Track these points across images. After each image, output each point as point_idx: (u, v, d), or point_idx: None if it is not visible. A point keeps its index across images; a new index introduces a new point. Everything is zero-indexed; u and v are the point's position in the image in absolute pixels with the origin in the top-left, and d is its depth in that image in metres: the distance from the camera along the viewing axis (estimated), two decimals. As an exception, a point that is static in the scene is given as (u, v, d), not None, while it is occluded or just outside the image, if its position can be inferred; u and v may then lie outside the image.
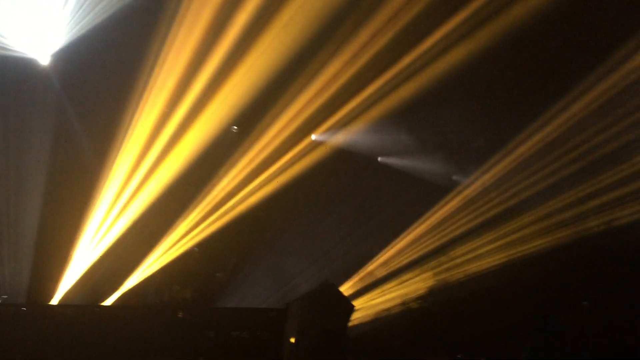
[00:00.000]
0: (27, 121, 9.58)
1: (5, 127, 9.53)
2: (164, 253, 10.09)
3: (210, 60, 9.60)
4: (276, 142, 10.42)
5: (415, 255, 10.99)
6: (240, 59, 9.65)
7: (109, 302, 9.78)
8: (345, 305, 9.63)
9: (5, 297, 9.35)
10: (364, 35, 9.78)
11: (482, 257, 10.87)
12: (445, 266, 10.97)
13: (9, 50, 9.42)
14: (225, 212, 10.38)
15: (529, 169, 10.98)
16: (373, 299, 10.87)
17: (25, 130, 9.57)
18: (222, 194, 10.35)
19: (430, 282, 10.96)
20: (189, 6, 9.27)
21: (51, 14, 9.54)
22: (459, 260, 10.92)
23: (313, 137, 10.91)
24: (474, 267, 10.90)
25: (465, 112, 10.92)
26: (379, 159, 11.50)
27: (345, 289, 10.67)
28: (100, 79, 9.71)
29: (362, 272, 10.92)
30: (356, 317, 9.87)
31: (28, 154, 9.58)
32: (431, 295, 10.84)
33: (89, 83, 9.75)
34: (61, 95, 9.74)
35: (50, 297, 9.59)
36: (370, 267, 10.97)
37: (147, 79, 9.60)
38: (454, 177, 11.52)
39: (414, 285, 10.91)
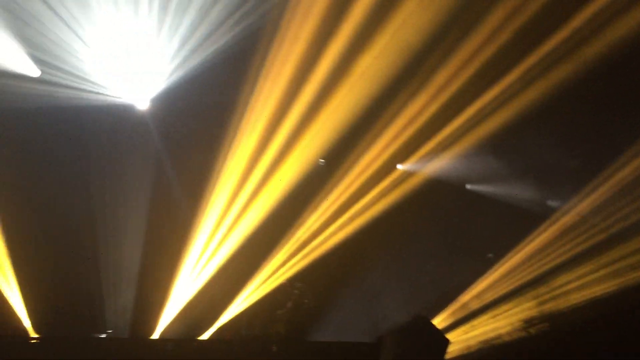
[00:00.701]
0: (125, 164, 10.16)
1: (104, 170, 10.13)
2: (257, 288, 10.30)
3: (299, 98, 9.85)
4: (364, 175, 10.47)
5: (512, 286, 10.56)
6: (328, 96, 9.84)
7: (205, 336, 10.07)
8: (440, 339, 9.36)
9: (110, 331, 9.82)
10: (451, 65, 9.72)
11: (585, 286, 10.27)
12: (544, 297, 10.46)
13: (108, 95, 10.06)
14: (316, 246, 10.47)
15: (633, 191, 10.38)
16: (467, 332, 10.52)
17: (124, 173, 10.14)
18: (312, 228, 10.48)
19: (528, 314, 10.46)
20: (279, 48, 9.58)
21: (149, 59, 10.11)
22: (559, 291, 10.39)
23: (399, 167, 10.85)
24: (577, 298, 10.30)
25: (559, 135, 10.51)
26: (467, 186, 11.24)
27: (438, 321, 10.42)
28: (194, 122, 10.21)
29: (456, 305, 10.63)
30: (450, 351, 9.56)
31: (127, 196, 10.13)
32: (530, 328, 10.35)
33: (184, 125, 10.27)
34: (157, 138, 10.28)
35: (152, 331, 10.00)
36: (464, 298, 10.65)
37: (240, 119, 9.98)
38: (549, 203, 11.05)
39: (511, 318, 10.47)
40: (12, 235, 9.42)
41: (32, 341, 9.43)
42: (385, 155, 10.46)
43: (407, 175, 10.73)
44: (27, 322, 9.60)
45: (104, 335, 9.70)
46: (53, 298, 9.61)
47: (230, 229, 10.24)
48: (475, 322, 10.51)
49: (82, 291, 9.80)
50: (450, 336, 9.90)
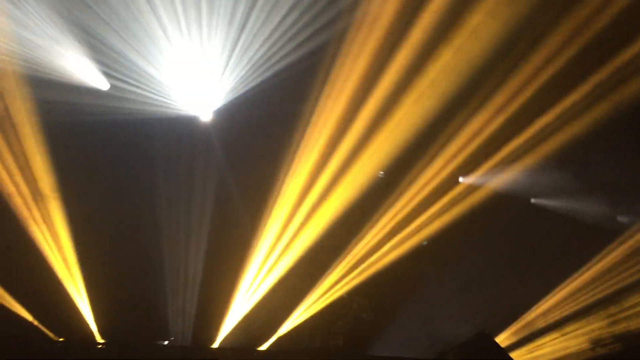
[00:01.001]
0: (189, 175, 10.36)
1: (169, 181, 10.33)
2: (316, 300, 10.28)
3: (362, 111, 9.84)
4: (426, 189, 10.32)
5: (580, 305, 10.17)
6: (391, 109, 9.79)
7: (265, 346, 10.11)
8: (502, 358, 9.10)
9: (172, 339, 10.00)
10: (517, 79, 9.50)
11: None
12: (616, 317, 10.01)
13: (173, 107, 10.29)
14: (376, 260, 10.37)
15: None
16: (532, 352, 10.18)
17: (188, 184, 10.33)
18: (373, 242, 10.39)
19: (598, 334, 10.05)
20: (343, 62, 9.60)
21: (213, 72, 10.27)
22: (632, 311, 9.92)
23: (462, 180, 10.63)
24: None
25: (630, 149, 10.08)
26: (532, 200, 10.90)
27: (502, 339, 10.13)
28: (257, 134, 10.31)
29: (520, 322, 10.30)
30: (515, 370, 9.27)
31: (190, 207, 10.30)
32: (600, 348, 9.93)
33: (247, 138, 10.37)
34: (220, 150, 10.44)
35: (213, 340, 10.12)
36: (529, 317, 10.31)
37: (302, 132, 10.05)
38: (620, 219, 10.59)
39: (579, 338, 10.07)
40: (82, 244, 9.75)
41: (99, 346, 9.72)
42: (448, 169, 10.29)
43: (470, 189, 10.50)
44: (94, 328, 9.90)
45: (166, 342, 9.89)
46: (119, 305, 9.86)
47: (290, 241, 10.28)
48: (541, 341, 10.16)
49: (146, 299, 10.02)
50: (514, 355, 9.63)
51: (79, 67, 9.74)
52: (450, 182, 10.50)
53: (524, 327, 10.31)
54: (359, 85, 9.76)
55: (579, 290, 10.18)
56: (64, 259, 9.69)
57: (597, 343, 9.99)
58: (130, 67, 9.89)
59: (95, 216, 9.77)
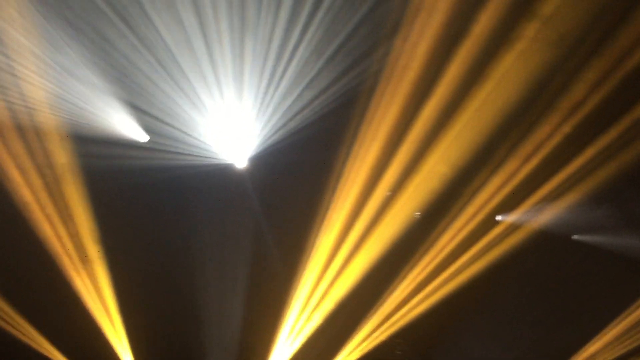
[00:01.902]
0: (226, 224, 10.43)
1: (206, 231, 10.42)
2: (356, 347, 10.20)
3: (397, 154, 9.78)
4: (464, 230, 10.19)
5: (630, 347, 9.86)
6: (425, 150, 9.72)
7: (308, 396, 10.08)
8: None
9: (215, 386, 10.03)
10: (555, 115, 9.35)
11: None
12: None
13: (208, 157, 10.38)
14: (416, 305, 10.24)
15: None
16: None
17: (225, 233, 10.41)
18: (411, 286, 10.27)
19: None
20: (377, 105, 9.57)
21: (244, 118, 10.36)
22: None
23: (499, 218, 10.45)
24: None
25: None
26: (574, 237, 10.63)
27: (551, 384, 9.89)
28: (292, 181, 10.32)
29: (568, 366, 10.05)
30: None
31: (227, 256, 10.40)
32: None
33: (282, 185, 10.40)
34: (256, 197, 10.49)
35: (257, 387, 10.15)
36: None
37: (337, 178, 10.04)
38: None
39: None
40: (124, 299, 9.91)
41: (142, 397, 9.82)
42: (486, 209, 10.14)
43: (509, 229, 10.30)
44: (137, 379, 10.02)
45: (209, 390, 9.94)
46: (161, 346, 9.97)
47: (329, 287, 10.24)
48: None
49: (187, 351, 10.09)
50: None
51: (117, 120, 9.95)
52: (489, 221, 10.33)
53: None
54: (393, 129, 9.72)
55: (627, 331, 9.86)
56: (107, 313, 9.86)
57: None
58: (167, 117, 10.05)
59: (136, 271, 9.93)
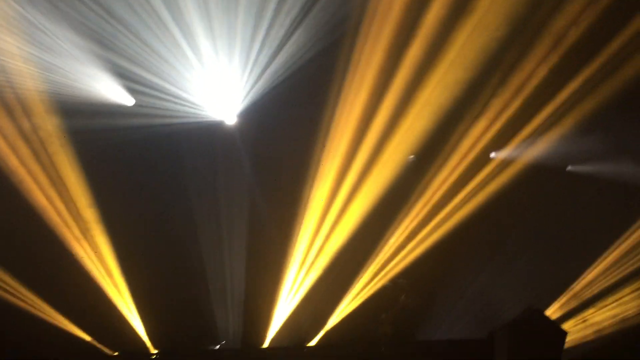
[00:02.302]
0: (220, 179, 10.46)
1: (201, 187, 10.46)
2: (360, 291, 10.31)
3: (385, 98, 9.79)
4: (459, 169, 10.21)
5: (628, 270, 9.97)
6: (414, 93, 9.70)
7: (314, 342, 10.20)
8: (556, 331, 9.00)
9: (224, 342, 10.16)
10: (543, 45, 9.33)
11: None
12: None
13: (198, 115, 10.35)
14: (416, 245, 10.32)
15: None
16: (583, 321, 10.04)
17: (220, 189, 10.45)
18: (410, 227, 10.33)
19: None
20: (362, 51, 9.57)
21: (232, 75, 10.29)
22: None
23: (493, 156, 10.48)
24: None
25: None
26: (569, 168, 10.67)
27: (551, 313, 10.01)
28: (283, 133, 10.31)
29: (569, 294, 10.15)
30: (568, 341, 9.15)
31: (225, 210, 10.44)
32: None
33: (273, 137, 10.41)
34: (247, 152, 10.50)
35: (262, 341, 10.27)
36: (577, 287, 10.15)
37: (328, 127, 10.04)
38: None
39: (629, 303, 9.89)
40: (125, 259, 9.98)
41: (153, 357, 9.95)
42: (478, 146, 10.16)
43: (503, 164, 10.33)
44: (146, 339, 10.13)
45: (217, 347, 10.06)
46: (167, 315, 10.09)
47: (327, 236, 10.31)
48: (590, 310, 10.01)
49: (192, 307, 10.19)
50: (566, 326, 9.52)
51: (102, 86, 9.89)
52: (483, 159, 10.36)
53: (572, 298, 10.16)
54: (378, 76, 9.73)
55: (625, 255, 9.98)
56: (110, 275, 9.93)
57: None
58: (153, 79, 10.00)
59: (135, 231, 9.97)
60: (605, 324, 9.98)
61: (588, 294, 10.10)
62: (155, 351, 10.04)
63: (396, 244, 10.40)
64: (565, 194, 10.38)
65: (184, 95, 10.12)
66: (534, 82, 9.77)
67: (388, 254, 10.38)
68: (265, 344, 10.23)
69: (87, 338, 9.80)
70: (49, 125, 9.68)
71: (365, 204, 10.32)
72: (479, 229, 10.32)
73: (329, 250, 10.33)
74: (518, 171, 10.35)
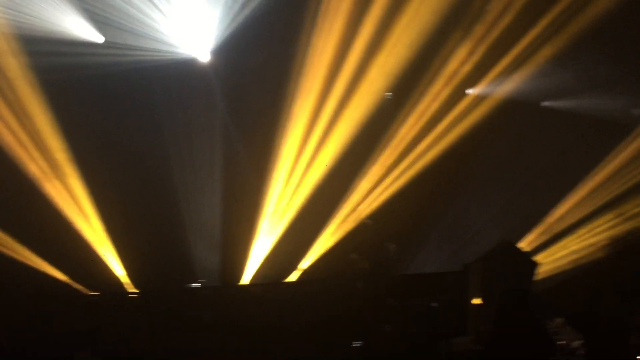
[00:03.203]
0: (195, 117, 10.38)
1: (176, 128, 10.38)
2: (338, 227, 10.43)
3: (359, 35, 9.70)
4: (434, 105, 10.21)
5: (599, 203, 10.17)
6: (387, 30, 9.62)
7: (292, 278, 10.35)
8: (527, 263, 9.21)
9: (203, 280, 10.27)
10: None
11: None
12: (633, 212, 10.01)
13: (170, 52, 10.14)
14: (393, 181, 10.42)
15: None
16: (555, 253, 10.29)
17: (196, 128, 10.38)
18: (387, 163, 10.40)
19: (618, 230, 10.09)
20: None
21: (207, 12, 10.10)
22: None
23: (469, 92, 10.49)
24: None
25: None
26: (543, 103, 10.72)
27: (525, 245, 10.23)
28: (258, 71, 10.16)
29: (542, 227, 10.37)
30: (540, 272, 9.38)
31: (199, 150, 10.41)
32: (619, 245, 9.98)
33: (248, 75, 10.26)
34: (221, 90, 10.38)
35: (241, 278, 10.40)
36: (550, 220, 10.36)
37: (301, 65, 9.93)
38: (634, 112, 10.41)
39: (600, 235, 10.12)
40: (99, 199, 9.93)
41: (133, 296, 10.02)
42: (453, 82, 10.14)
43: (479, 99, 10.36)
44: (126, 279, 10.20)
45: (197, 285, 10.16)
46: (146, 255, 10.13)
47: (304, 172, 10.34)
48: (563, 242, 10.25)
49: (171, 246, 10.26)
50: (539, 258, 9.74)
51: (70, 22, 9.61)
52: (458, 95, 10.37)
53: (545, 231, 10.38)
54: (352, 14, 9.62)
55: (596, 188, 10.17)
56: (85, 217, 9.90)
57: (616, 239, 10.04)
58: (124, 15, 9.75)
59: (107, 169, 9.88)
60: (576, 255, 10.24)
61: (559, 227, 10.32)
62: (136, 290, 10.11)
63: (372, 181, 10.47)
64: (540, 129, 10.49)
65: (158, 32, 9.91)
66: (506, 19, 9.72)
67: (364, 191, 10.46)
68: (244, 281, 10.37)
69: (66, 279, 9.83)
70: (15, 64, 9.40)
71: (340, 142, 10.32)
72: (454, 164, 10.42)
73: (306, 185, 10.37)
74: (493, 107, 10.41)
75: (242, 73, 10.36)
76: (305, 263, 10.43)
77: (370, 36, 9.78)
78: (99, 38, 9.77)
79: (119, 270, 10.16)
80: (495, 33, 9.87)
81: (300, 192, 10.42)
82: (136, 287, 10.13)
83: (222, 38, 10.22)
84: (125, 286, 10.17)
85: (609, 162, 10.12)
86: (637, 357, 7.62)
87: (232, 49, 10.24)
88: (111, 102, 9.96)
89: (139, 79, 9.90)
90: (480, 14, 9.80)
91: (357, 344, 8.65)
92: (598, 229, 10.20)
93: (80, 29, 9.65)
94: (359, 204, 10.46)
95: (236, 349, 8.47)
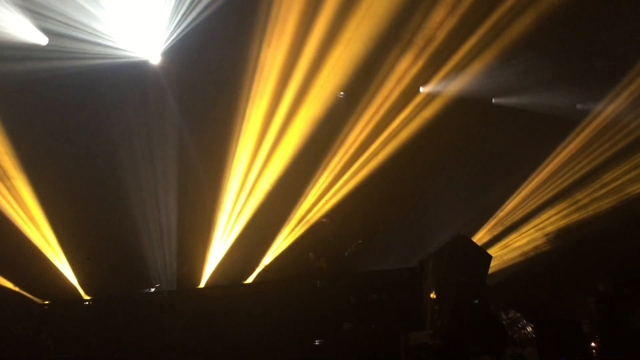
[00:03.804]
0: (144, 121, 10.15)
1: (128, 132, 10.15)
2: (295, 227, 10.42)
3: (311, 37, 9.65)
4: (388, 103, 10.30)
5: (549, 195, 10.46)
6: (339, 31, 9.59)
7: (250, 279, 10.27)
8: (481, 256, 9.38)
9: (158, 285, 10.09)
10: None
11: (623, 187, 10.12)
12: (582, 202, 10.34)
13: (118, 54, 9.90)
14: (348, 180, 10.47)
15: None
16: (508, 245, 10.53)
17: (145, 130, 10.16)
18: (343, 161, 10.46)
19: (566, 222, 10.41)
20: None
21: (156, 14, 9.89)
22: (596, 194, 10.25)
23: (421, 89, 10.62)
24: (614, 199, 10.18)
25: (581, 37, 10.07)
26: (493, 100, 10.96)
27: (479, 238, 10.43)
28: (209, 74, 10.05)
29: (494, 220, 10.59)
30: (494, 265, 9.58)
31: (154, 154, 10.22)
32: (567, 236, 10.29)
33: (198, 78, 10.13)
34: (172, 92, 10.20)
35: (198, 282, 10.27)
36: (502, 213, 10.60)
37: (254, 67, 9.88)
38: (579, 107, 10.75)
39: (551, 226, 10.41)
40: (50, 207, 9.69)
41: (86, 303, 9.78)
42: (406, 80, 10.25)
43: (431, 97, 10.50)
44: (77, 286, 9.94)
45: (152, 290, 9.97)
46: (99, 262, 9.91)
47: (259, 173, 10.31)
48: (514, 235, 10.50)
49: (125, 252, 10.07)
50: (492, 251, 9.95)
51: (14, 24, 9.28)
52: (412, 92, 10.49)
53: (497, 224, 10.61)
54: (304, 14, 9.56)
55: (546, 181, 10.45)
56: (35, 223, 9.62)
57: (564, 231, 10.35)
58: (70, 17, 9.45)
59: (56, 174, 9.63)
60: (528, 247, 10.49)
61: (512, 219, 10.57)
62: (88, 298, 9.87)
63: (327, 181, 10.50)
64: (492, 125, 10.68)
65: (104, 34, 9.64)
66: (455, 17, 9.87)
67: (319, 191, 10.48)
68: (201, 285, 10.24)
69: (15, 288, 9.51)
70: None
71: (294, 142, 10.31)
72: (408, 161, 10.52)
73: (260, 189, 10.33)
74: (446, 104, 10.55)
75: (194, 75, 10.21)
76: (263, 264, 10.37)
77: (322, 36, 9.76)
78: (42, 40, 9.44)
79: (71, 277, 9.89)
80: (444, 30, 9.98)
81: (256, 193, 10.36)
82: (88, 295, 9.88)
83: (173, 40, 10.02)
84: (78, 294, 9.91)
85: (557, 155, 10.41)
86: None
87: (184, 50, 10.06)
88: (60, 106, 9.67)
89: (88, 82, 9.62)
90: (432, 11, 9.90)
91: (318, 342, 8.67)
92: (548, 221, 10.48)
93: (24, 30, 9.31)
94: (315, 204, 10.47)
95: (195, 353, 8.38)
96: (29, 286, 9.58)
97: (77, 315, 9.14)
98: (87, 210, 9.92)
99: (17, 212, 9.55)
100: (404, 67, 10.22)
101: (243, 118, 10.18)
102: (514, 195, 10.53)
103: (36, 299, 9.56)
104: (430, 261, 9.24)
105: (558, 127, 10.36)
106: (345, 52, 9.87)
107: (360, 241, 10.19)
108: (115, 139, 10.00)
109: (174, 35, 9.97)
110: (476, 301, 8.49)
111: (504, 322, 8.47)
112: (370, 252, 10.47)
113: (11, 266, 9.45)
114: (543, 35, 9.91)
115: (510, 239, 10.50)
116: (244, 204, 10.37)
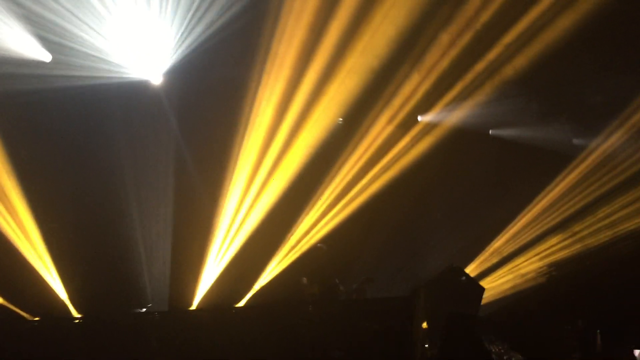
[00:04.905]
0: (144, 140, 10.20)
1: (124, 148, 10.16)
2: (288, 253, 10.43)
3: (313, 63, 9.75)
4: (386, 131, 10.39)
5: (543, 228, 10.51)
6: (341, 58, 9.71)
7: (242, 303, 10.24)
8: (474, 287, 9.38)
9: (150, 305, 10.05)
10: (465, 12, 9.46)
11: (620, 221, 10.16)
12: (578, 235, 10.38)
13: (120, 74, 9.95)
14: (344, 206, 10.53)
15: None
16: (502, 277, 10.54)
17: (144, 149, 10.20)
18: (339, 188, 10.51)
19: (560, 255, 10.44)
20: (289, 12, 9.45)
21: (159, 35, 9.94)
22: (591, 229, 10.30)
23: (420, 119, 10.70)
24: (611, 233, 10.22)
25: (578, 73, 10.17)
26: (491, 132, 11.05)
27: (472, 269, 10.44)
28: (210, 95, 10.09)
29: (488, 251, 10.62)
30: (486, 297, 9.57)
31: (150, 173, 10.23)
32: (559, 269, 10.32)
33: (199, 99, 10.19)
34: (173, 112, 10.26)
35: (190, 304, 10.23)
36: (496, 244, 10.63)
37: (255, 90, 9.95)
38: (575, 142, 10.84)
39: (547, 259, 10.45)
40: (44, 223, 9.64)
41: (76, 321, 9.71)
42: (405, 110, 10.34)
43: (430, 127, 10.60)
44: (68, 304, 9.89)
45: (143, 310, 9.92)
46: (91, 280, 9.88)
47: (256, 197, 10.32)
48: (508, 266, 10.51)
49: (117, 271, 10.03)
50: (485, 282, 9.95)
51: (18, 41, 9.35)
52: (410, 122, 10.58)
53: (492, 255, 10.63)
54: (306, 38, 9.65)
55: (541, 214, 10.51)
56: (27, 237, 9.58)
57: (556, 265, 10.37)
58: (74, 36, 9.51)
59: (52, 191, 9.62)
60: (520, 280, 10.51)
61: (505, 251, 10.59)
62: (79, 316, 9.81)
63: (322, 208, 10.54)
64: (488, 156, 10.77)
65: (107, 53, 9.69)
66: (456, 50, 9.98)
67: (317, 214, 10.51)
68: (193, 307, 10.20)
69: (4, 303, 9.46)
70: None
71: (292, 167, 10.35)
72: (403, 190, 10.59)
73: (258, 211, 10.34)
74: (443, 134, 10.65)
75: (195, 95, 10.28)
76: (255, 288, 10.35)
77: (323, 61, 9.86)
78: (46, 57, 9.51)
79: (62, 294, 9.84)
80: (444, 63, 10.09)
81: (252, 216, 10.38)
82: (80, 312, 9.83)
83: (175, 60, 10.10)
84: (69, 311, 9.85)
85: (552, 189, 10.48)
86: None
87: (185, 70, 10.14)
88: (60, 124, 9.71)
89: (89, 101, 9.67)
90: (432, 44, 10.02)
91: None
92: (542, 254, 10.51)
93: (28, 48, 9.39)
94: (311, 228, 10.48)
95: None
96: (19, 302, 9.51)
97: (66, 333, 9.07)
98: (81, 226, 9.93)
99: (10, 227, 9.52)
100: (402, 99, 10.34)
101: (242, 140, 10.22)
102: (508, 227, 10.59)
103: (26, 315, 9.49)
104: (422, 291, 9.22)
105: (554, 162, 10.47)
106: (345, 79, 9.98)
107: (367, 277, 10.17)
108: (114, 158, 10.03)
109: (176, 55, 10.05)
110: (467, 333, 8.48)
111: (493, 356, 8.44)
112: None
113: (2, 282, 9.39)
114: (542, 71, 10.05)
115: (504, 271, 10.51)
116: (239, 227, 10.38)
